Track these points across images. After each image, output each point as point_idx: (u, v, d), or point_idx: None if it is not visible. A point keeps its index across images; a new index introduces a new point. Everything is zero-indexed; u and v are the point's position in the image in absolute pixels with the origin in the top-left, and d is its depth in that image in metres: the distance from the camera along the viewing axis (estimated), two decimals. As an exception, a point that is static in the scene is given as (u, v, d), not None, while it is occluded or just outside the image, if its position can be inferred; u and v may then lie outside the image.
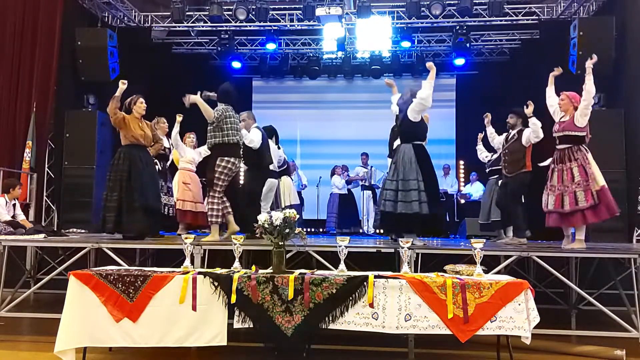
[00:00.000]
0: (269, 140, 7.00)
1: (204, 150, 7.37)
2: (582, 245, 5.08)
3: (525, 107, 5.99)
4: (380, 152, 10.76)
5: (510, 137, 6.27)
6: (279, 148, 7.64)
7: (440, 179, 10.71)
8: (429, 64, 5.34)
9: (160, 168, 6.64)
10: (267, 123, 7.49)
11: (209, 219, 5.51)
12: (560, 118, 5.31)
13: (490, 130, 6.83)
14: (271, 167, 6.71)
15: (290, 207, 7.03)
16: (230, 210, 5.57)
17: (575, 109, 5.18)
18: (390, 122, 6.17)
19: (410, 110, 5.27)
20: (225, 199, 5.56)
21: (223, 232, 5.69)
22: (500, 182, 6.86)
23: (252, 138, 6.13)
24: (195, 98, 5.43)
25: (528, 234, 6.22)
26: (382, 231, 10.80)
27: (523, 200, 6.31)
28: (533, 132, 5.88)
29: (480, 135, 7.47)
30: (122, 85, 5.42)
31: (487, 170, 7.38)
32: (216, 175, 5.43)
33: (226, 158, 5.44)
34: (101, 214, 5.55)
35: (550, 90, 5.51)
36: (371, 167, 10.55)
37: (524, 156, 6.02)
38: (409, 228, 5.11)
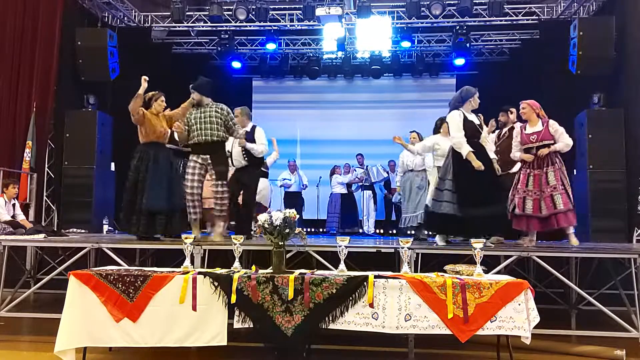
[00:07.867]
0: None
1: None
2: (574, 239, 5.15)
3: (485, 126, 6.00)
4: (380, 152, 10.83)
5: (502, 134, 6.17)
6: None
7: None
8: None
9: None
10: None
11: (220, 213, 5.33)
12: (527, 128, 5.34)
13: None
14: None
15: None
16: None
17: (537, 115, 5.26)
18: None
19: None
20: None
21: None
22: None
23: (263, 141, 6.03)
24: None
25: None
26: (382, 231, 10.84)
27: None
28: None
29: None
30: (145, 83, 5.29)
31: None
32: (227, 169, 5.44)
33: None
34: (133, 217, 5.25)
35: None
36: (367, 166, 10.54)
37: None
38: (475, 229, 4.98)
